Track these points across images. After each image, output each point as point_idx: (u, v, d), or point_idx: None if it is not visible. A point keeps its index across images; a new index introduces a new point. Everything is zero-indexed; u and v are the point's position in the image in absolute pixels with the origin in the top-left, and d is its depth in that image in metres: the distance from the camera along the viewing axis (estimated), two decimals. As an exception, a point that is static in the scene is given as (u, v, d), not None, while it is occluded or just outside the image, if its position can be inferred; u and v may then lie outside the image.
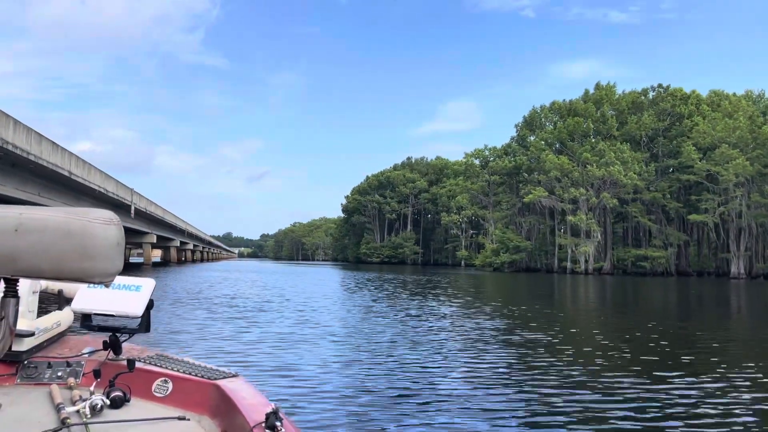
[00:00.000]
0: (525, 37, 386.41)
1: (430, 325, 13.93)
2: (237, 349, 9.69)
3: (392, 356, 9.41)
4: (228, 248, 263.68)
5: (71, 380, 2.47)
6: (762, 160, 63.34)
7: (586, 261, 72.88)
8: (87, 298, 2.74)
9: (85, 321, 2.80)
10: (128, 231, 50.43)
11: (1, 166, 24.89)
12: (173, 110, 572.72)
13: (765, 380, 8.08)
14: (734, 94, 77.20)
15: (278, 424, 1.82)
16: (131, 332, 2.74)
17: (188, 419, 2.20)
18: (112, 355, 2.66)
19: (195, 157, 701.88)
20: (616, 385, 7.44)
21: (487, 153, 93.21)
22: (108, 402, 2.18)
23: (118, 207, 44.91)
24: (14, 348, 2.51)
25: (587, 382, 7.65)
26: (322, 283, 35.51)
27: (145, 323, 2.75)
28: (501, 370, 8.40)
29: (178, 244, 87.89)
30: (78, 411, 2.10)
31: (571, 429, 5.64)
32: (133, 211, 46.29)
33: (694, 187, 72.16)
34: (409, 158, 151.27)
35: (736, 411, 6.36)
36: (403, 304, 19.74)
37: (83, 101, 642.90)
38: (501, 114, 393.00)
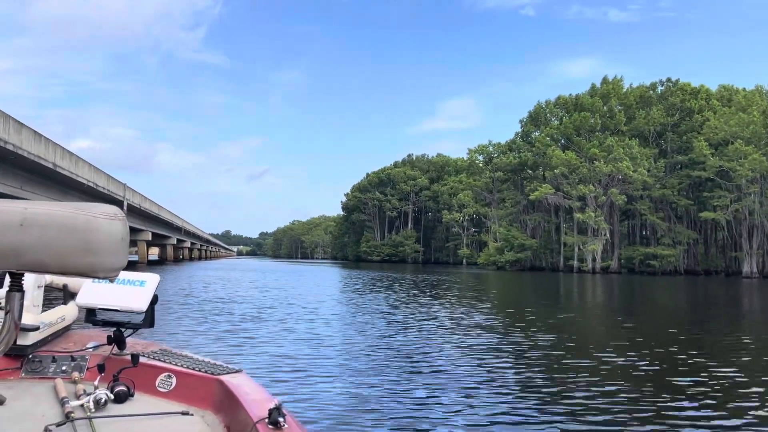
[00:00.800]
0: (525, 36, 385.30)
1: (438, 325, 13.56)
2: (240, 345, 9.65)
3: (398, 355, 9.27)
4: (227, 246, 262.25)
5: (75, 374, 2.51)
6: (777, 155, 61.51)
7: (594, 260, 70.91)
8: (91, 292, 2.75)
9: (90, 316, 2.83)
10: (121, 228, 48.06)
11: (-24, 156, 22.98)
12: (173, 108, 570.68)
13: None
14: (744, 89, 75.32)
15: (281, 419, 1.84)
16: (135, 327, 2.76)
17: (192, 414, 2.20)
18: (116, 349, 2.70)
19: (194, 155, 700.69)
20: (637, 397, 6.84)
21: (491, 149, 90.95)
22: (112, 396, 2.20)
23: (110, 202, 42.80)
24: (19, 342, 2.52)
25: (607, 393, 7.01)
26: (327, 283, 33.61)
27: (149, 318, 2.77)
28: (509, 374, 8.10)
29: (175, 242, 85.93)
30: (82, 405, 2.12)
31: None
32: (125, 207, 44.29)
33: (704, 184, 70.18)
34: (410, 155, 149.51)
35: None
36: (414, 305, 18.92)
37: (83, 99, 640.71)
38: (500, 112, 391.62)
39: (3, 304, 1.52)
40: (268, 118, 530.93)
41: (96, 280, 2.62)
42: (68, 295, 3.17)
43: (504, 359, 9.17)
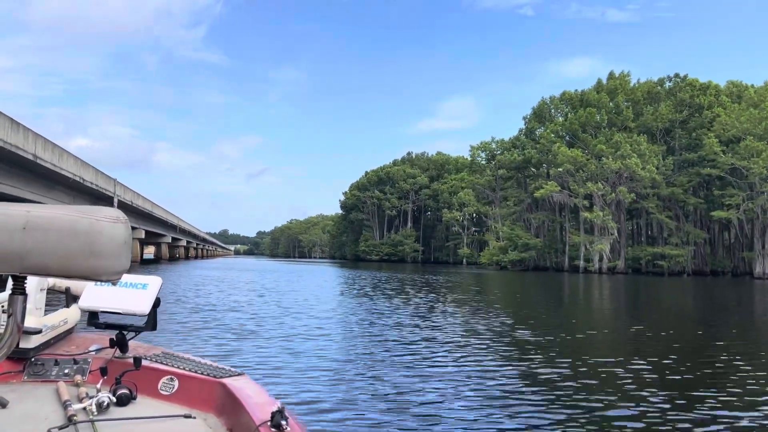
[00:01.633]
0: (523, 35, 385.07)
1: (444, 328, 13.07)
2: (242, 347, 9.55)
3: (402, 358, 9.08)
4: (224, 245, 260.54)
5: (78, 377, 2.51)
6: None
7: (600, 260, 68.97)
8: (94, 295, 2.75)
9: (92, 319, 2.83)
10: (112, 225, 46.01)
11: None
12: (172, 107, 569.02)
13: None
14: (753, 86, 73.44)
15: (284, 422, 1.85)
16: (138, 330, 2.75)
17: (194, 417, 2.22)
18: (118, 352, 2.69)
19: (193, 154, 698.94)
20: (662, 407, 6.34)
21: (494, 146, 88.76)
22: (114, 399, 2.21)
23: (99, 199, 40.96)
24: (22, 345, 2.51)
25: (626, 408, 6.36)
26: (329, 285, 31.61)
27: (151, 321, 2.75)
28: (515, 376, 7.91)
29: (170, 241, 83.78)
30: (85, 408, 2.13)
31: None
32: (116, 204, 42.22)
33: (714, 182, 68.29)
34: (409, 153, 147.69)
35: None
36: (418, 307, 18.24)
37: (81, 97, 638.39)
38: (499, 112, 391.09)
39: (6, 307, 1.48)
40: (267, 117, 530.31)
41: (98, 283, 2.62)
42: (71, 298, 3.17)
43: (509, 362, 8.94)
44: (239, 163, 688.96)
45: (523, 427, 5.56)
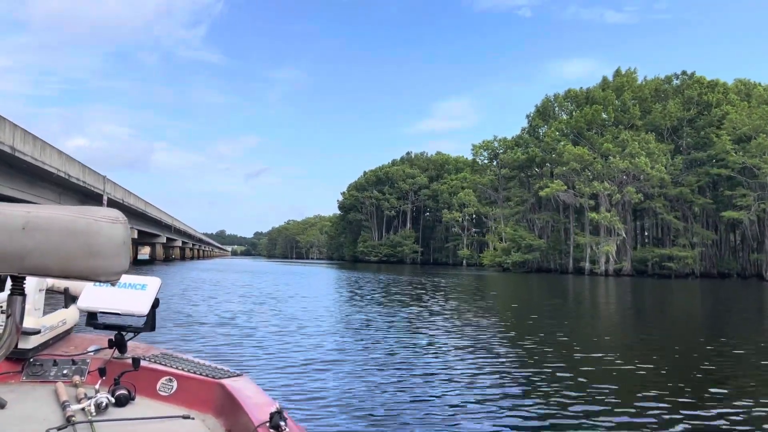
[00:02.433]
0: (521, 36, 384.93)
1: (447, 331, 12.78)
2: (242, 349, 9.44)
3: (400, 360, 8.97)
4: (220, 246, 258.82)
5: (76, 378, 2.50)
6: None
7: (606, 261, 67.08)
8: (93, 296, 2.74)
9: (91, 319, 2.81)
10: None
11: None
12: (170, 106, 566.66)
13: None
14: (760, 84, 71.77)
15: (282, 423, 1.85)
16: (136, 331, 2.75)
17: (193, 418, 2.22)
18: (117, 353, 2.68)
19: (192, 154, 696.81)
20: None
21: (496, 145, 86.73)
22: (113, 400, 2.20)
23: (87, 196, 39.00)
24: (20, 346, 2.50)
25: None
26: (332, 289, 29.71)
27: (150, 322, 2.74)
28: (519, 381, 7.61)
29: (164, 241, 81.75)
30: (83, 409, 2.12)
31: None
32: (105, 202, 40.29)
33: (723, 182, 66.50)
34: (408, 153, 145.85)
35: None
36: (420, 309, 17.75)
37: (79, 97, 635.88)
38: (496, 112, 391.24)
39: (4, 308, 1.47)
40: (265, 117, 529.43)
41: (97, 283, 2.50)
42: (69, 298, 3.15)
43: (514, 366, 8.76)
44: (237, 164, 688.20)
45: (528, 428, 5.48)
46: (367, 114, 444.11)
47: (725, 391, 7.45)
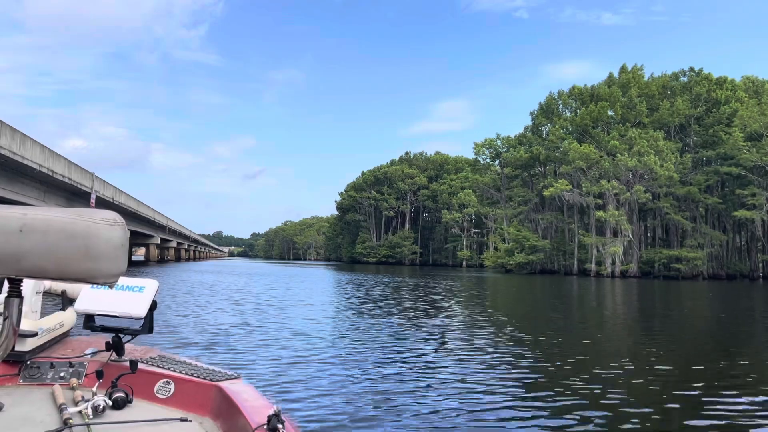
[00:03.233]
0: (518, 38, 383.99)
1: (449, 334, 12.32)
2: (239, 351, 9.27)
3: (399, 362, 8.78)
4: (217, 247, 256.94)
5: (74, 381, 2.49)
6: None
7: (613, 263, 65.23)
8: (90, 298, 2.73)
9: (88, 322, 2.80)
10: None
11: None
12: (167, 107, 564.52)
13: None
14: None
15: (280, 426, 1.84)
16: (134, 333, 2.74)
17: (190, 420, 2.20)
18: (114, 356, 2.67)
19: (188, 155, 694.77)
20: None
21: (498, 143, 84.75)
22: (110, 403, 2.19)
23: (74, 194, 37.03)
24: (17, 348, 2.51)
25: None
26: (340, 295, 27.82)
27: (147, 324, 2.73)
28: (523, 384, 7.44)
29: (159, 242, 79.84)
30: (80, 411, 2.12)
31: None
32: (93, 200, 38.31)
33: (734, 181, 64.70)
34: (407, 153, 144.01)
35: None
36: (421, 312, 17.37)
37: (75, 97, 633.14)
38: (493, 114, 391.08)
39: (1, 310, 1.48)
40: (263, 118, 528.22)
41: (95, 286, 2.57)
42: (67, 301, 3.11)
43: (517, 368, 8.54)
44: (234, 165, 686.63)
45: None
46: (364, 115, 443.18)
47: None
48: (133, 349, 2.87)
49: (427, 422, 5.72)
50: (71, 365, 2.59)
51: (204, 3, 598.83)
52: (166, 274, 42.26)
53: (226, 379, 2.46)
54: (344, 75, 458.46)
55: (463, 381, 7.61)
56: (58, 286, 3.08)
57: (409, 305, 19.15)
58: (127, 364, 2.43)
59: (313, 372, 7.88)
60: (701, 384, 7.86)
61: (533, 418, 5.91)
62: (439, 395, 6.78)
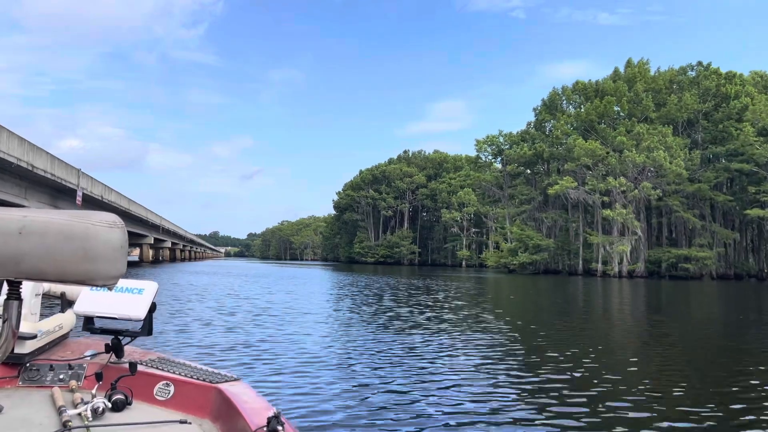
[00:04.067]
0: (514, 38, 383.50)
1: (452, 337, 11.75)
2: (239, 353, 9.20)
3: (400, 366, 8.56)
4: (213, 247, 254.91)
5: (73, 383, 2.48)
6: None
7: (620, 262, 63.33)
8: (89, 300, 2.71)
9: (88, 324, 2.79)
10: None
11: None
12: (164, 107, 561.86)
13: None
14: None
15: (280, 428, 1.84)
16: (133, 335, 2.73)
17: (190, 423, 2.20)
18: (114, 358, 2.66)
19: (186, 155, 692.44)
20: None
21: (501, 140, 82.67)
22: (110, 405, 2.19)
23: (59, 191, 34.97)
24: (16, 350, 2.50)
25: None
26: (338, 294, 25.89)
27: (147, 326, 2.71)
28: (530, 393, 7.03)
29: (152, 242, 77.66)
30: (80, 414, 2.11)
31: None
32: (80, 198, 36.20)
33: (744, 178, 62.84)
34: (405, 151, 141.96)
35: None
36: (423, 313, 17.27)
37: (72, 97, 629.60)
38: (490, 114, 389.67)
39: (1, 313, 1.49)
40: (260, 118, 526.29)
41: (94, 288, 2.56)
42: (66, 303, 3.10)
43: (522, 371, 8.33)
44: (232, 165, 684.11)
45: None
46: (361, 115, 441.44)
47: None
48: (132, 351, 2.84)
49: (428, 425, 5.64)
50: (70, 367, 2.58)
51: (204, 2, 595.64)
52: (155, 275, 40.20)
53: (226, 381, 2.44)
54: (342, 75, 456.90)
55: (466, 385, 7.36)
56: (58, 288, 3.05)
57: (412, 308, 18.38)
58: (127, 366, 2.41)
59: (313, 374, 7.78)
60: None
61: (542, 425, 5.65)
62: (441, 399, 6.65)
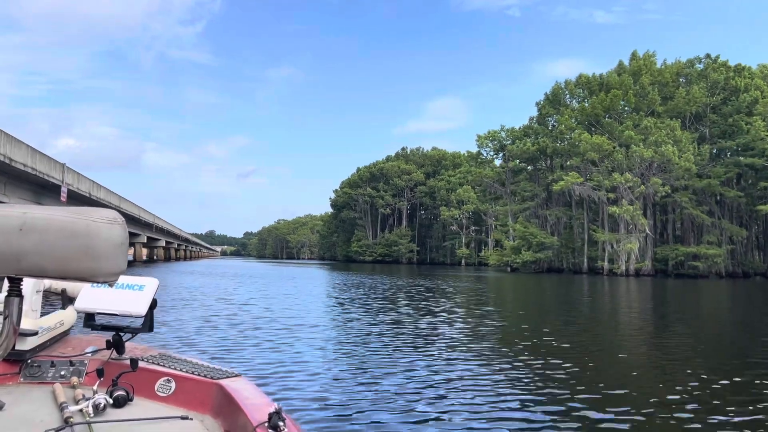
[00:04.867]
0: (510, 36, 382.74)
1: (453, 337, 11.38)
2: (240, 349, 9.27)
3: (403, 364, 8.47)
4: (209, 246, 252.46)
5: (74, 379, 2.49)
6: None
7: (627, 260, 61.57)
8: (90, 297, 2.72)
9: (89, 320, 2.80)
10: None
11: None
12: (160, 106, 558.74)
13: None
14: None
15: (281, 423, 1.85)
16: (134, 331, 2.74)
17: (191, 419, 2.21)
18: (115, 354, 2.65)
19: (181, 154, 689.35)
20: None
21: (503, 135, 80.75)
22: (111, 401, 2.19)
23: (43, 187, 32.97)
24: (18, 347, 2.50)
25: None
26: (338, 295, 24.04)
27: (148, 323, 2.73)
28: (532, 395, 6.75)
29: (145, 240, 75.66)
30: (81, 410, 2.11)
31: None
32: (64, 195, 34.22)
33: (754, 174, 61.10)
34: (404, 149, 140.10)
35: None
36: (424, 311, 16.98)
37: (67, 97, 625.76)
38: (486, 112, 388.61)
39: (2, 309, 1.48)
40: (255, 117, 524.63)
41: (95, 284, 2.54)
42: (67, 299, 3.09)
43: (525, 372, 8.04)
44: (228, 164, 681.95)
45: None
46: (357, 114, 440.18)
47: None
48: (133, 347, 2.81)
49: (429, 423, 5.54)
50: (72, 364, 2.57)
51: (202, 0, 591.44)
52: (147, 275, 38.19)
53: (227, 377, 2.44)
54: (339, 74, 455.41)
55: (470, 384, 7.22)
56: (58, 284, 3.03)
57: (415, 308, 17.88)
58: (128, 362, 2.39)
59: (315, 370, 7.81)
60: None
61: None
62: (444, 397, 6.53)
